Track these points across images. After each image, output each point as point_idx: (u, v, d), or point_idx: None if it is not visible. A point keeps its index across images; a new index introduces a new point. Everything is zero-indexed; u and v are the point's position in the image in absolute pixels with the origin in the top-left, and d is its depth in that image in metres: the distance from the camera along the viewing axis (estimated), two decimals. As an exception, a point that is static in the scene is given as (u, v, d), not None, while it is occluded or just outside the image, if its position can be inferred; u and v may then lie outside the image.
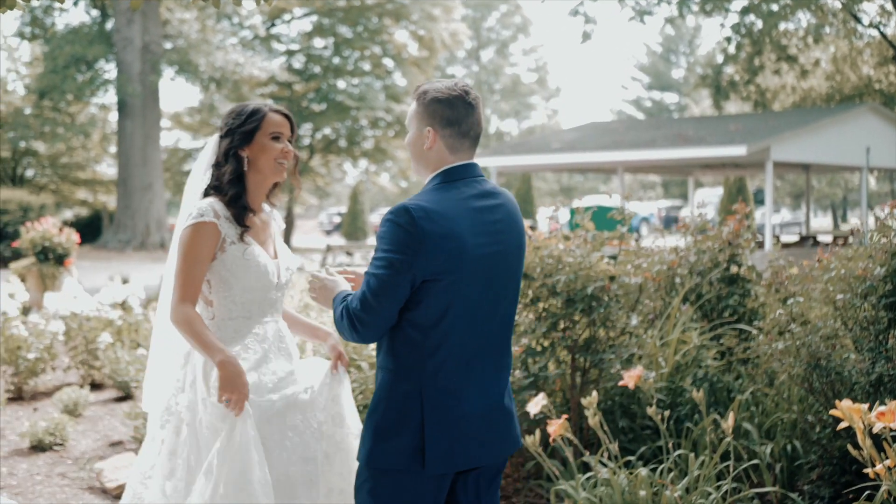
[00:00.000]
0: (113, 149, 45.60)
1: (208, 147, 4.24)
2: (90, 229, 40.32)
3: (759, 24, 32.58)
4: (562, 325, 6.35)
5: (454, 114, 3.64)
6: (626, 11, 31.50)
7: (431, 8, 46.29)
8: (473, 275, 3.57)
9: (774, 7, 31.87)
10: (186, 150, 51.43)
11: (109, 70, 39.80)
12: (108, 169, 49.64)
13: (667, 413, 5.97)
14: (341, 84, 47.58)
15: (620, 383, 5.55)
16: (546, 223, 7.46)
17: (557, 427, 5.09)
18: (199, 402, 3.95)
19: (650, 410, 5.38)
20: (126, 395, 9.88)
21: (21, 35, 39.47)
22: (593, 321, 6.31)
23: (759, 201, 52.85)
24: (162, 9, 38.99)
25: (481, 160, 31.00)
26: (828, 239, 30.44)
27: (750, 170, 31.89)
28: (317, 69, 48.20)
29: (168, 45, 39.49)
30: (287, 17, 48.40)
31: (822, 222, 70.22)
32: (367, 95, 45.64)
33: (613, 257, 6.59)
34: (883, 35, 32.88)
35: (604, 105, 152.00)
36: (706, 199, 55.88)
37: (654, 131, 28.35)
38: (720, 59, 35.57)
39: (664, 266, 7.19)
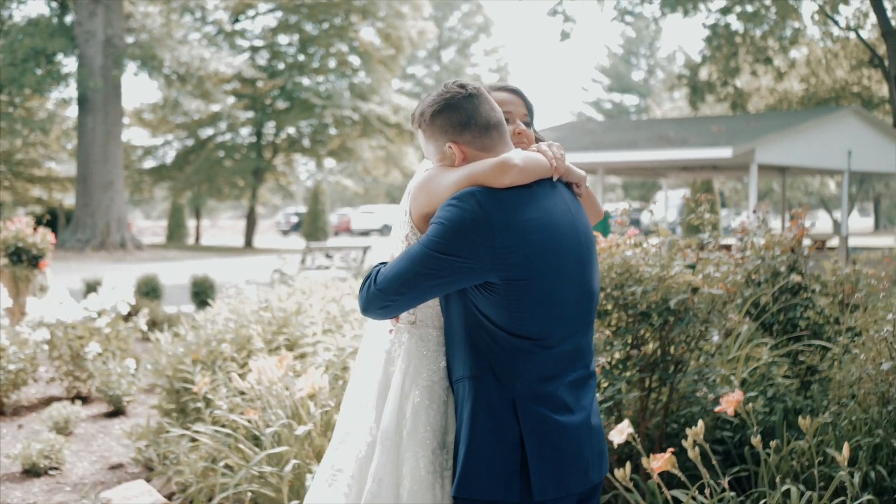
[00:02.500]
0: (69, 145, 44.55)
1: None
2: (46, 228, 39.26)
3: (737, 25, 32.30)
4: (630, 341, 5.73)
5: (462, 115, 3.13)
6: (605, 12, 31.19)
7: (400, 5, 45.70)
8: (558, 269, 3.08)
9: (750, 8, 31.58)
10: (146, 148, 50.52)
11: (68, 64, 38.80)
12: (62, 166, 48.56)
13: (738, 437, 5.42)
14: (306, 81, 46.91)
15: (717, 409, 4.92)
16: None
17: (664, 462, 4.44)
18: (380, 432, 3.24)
19: (755, 441, 4.77)
20: (117, 411, 9.12)
21: (-24, 27, 38.38)
22: (671, 339, 5.69)
23: (722, 204, 52.81)
24: (125, 1, 38.03)
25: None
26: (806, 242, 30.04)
27: (727, 172, 31.50)
28: (281, 66, 47.55)
29: (130, 39, 38.51)
30: (251, 12, 47.63)
31: (774, 224, 70.51)
32: (334, 94, 45.07)
33: (691, 266, 5.96)
34: (860, 38, 32.64)
35: (564, 107, 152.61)
36: (671, 201, 55.69)
37: (634, 132, 27.85)
38: (680, 60, 35.52)
39: (738, 276, 6.58)
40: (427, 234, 3.01)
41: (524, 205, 3.02)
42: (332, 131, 47.92)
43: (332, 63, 47.52)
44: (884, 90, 34.96)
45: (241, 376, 6.54)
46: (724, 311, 5.87)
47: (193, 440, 6.65)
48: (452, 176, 3.07)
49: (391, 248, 3.33)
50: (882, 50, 32.43)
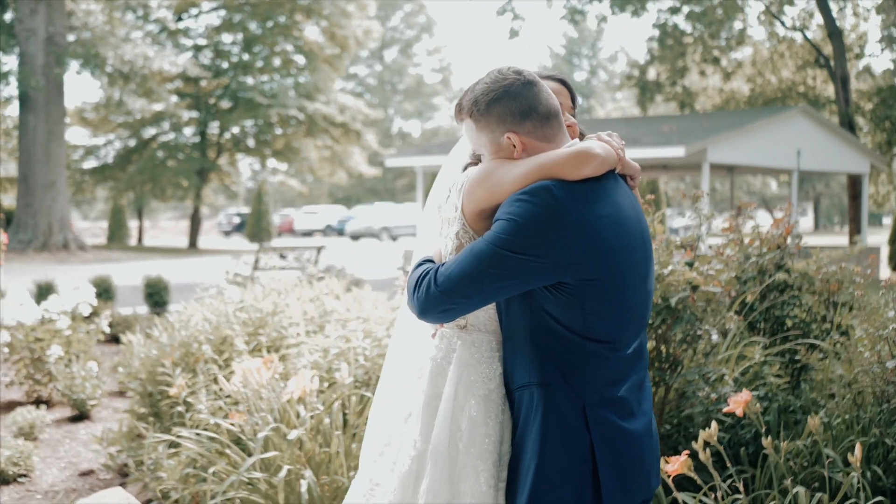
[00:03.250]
0: (10, 145, 43.70)
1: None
2: (-2, 229, 38.51)
3: (685, 25, 32.53)
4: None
5: (523, 103, 2.90)
6: (553, 11, 31.23)
7: (345, 4, 45.44)
8: (629, 268, 2.90)
9: (698, 8, 31.79)
10: (87, 147, 49.74)
11: (9, 62, 38.05)
12: (2, 166, 47.67)
13: (727, 437, 5.33)
14: (250, 81, 46.50)
15: (726, 409, 4.82)
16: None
17: (680, 465, 4.32)
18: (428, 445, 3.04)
19: (765, 441, 4.67)
20: (82, 415, 8.84)
21: (-88, 24, 37.51)
22: (667, 338, 5.58)
23: (667, 203, 53.33)
24: (67, -1, 37.42)
25: (406, 160, 30.15)
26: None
27: (677, 171, 31.65)
28: (225, 65, 47.08)
29: (72, 37, 37.85)
30: (194, 10, 47.09)
31: (715, 224, 71.23)
32: (279, 93, 44.71)
33: (689, 264, 5.85)
34: (806, 38, 32.96)
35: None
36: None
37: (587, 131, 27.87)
38: (622, 60, 35.95)
39: (732, 273, 6.50)
40: (495, 231, 2.79)
41: (597, 199, 2.83)
42: (278, 131, 47.57)
43: (276, 62, 47.11)
44: (829, 90, 35.36)
45: (226, 378, 6.33)
46: (720, 309, 5.77)
47: (172, 445, 6.42)
48: (519, 168, 2.85)
49: (436, 246, 3.11)
50: (828, 50, 32.83)
